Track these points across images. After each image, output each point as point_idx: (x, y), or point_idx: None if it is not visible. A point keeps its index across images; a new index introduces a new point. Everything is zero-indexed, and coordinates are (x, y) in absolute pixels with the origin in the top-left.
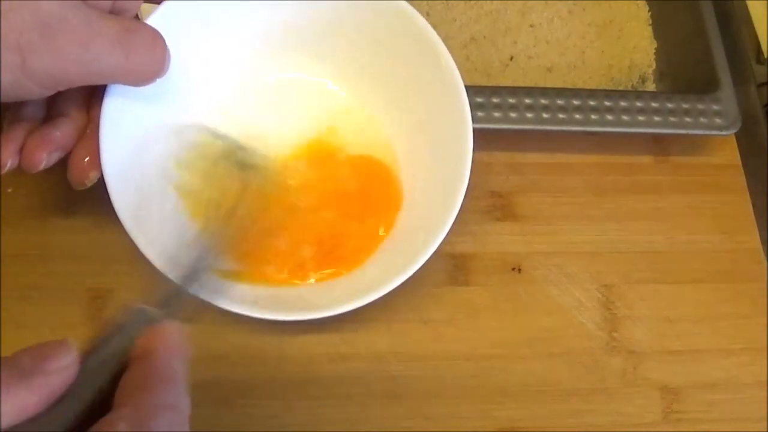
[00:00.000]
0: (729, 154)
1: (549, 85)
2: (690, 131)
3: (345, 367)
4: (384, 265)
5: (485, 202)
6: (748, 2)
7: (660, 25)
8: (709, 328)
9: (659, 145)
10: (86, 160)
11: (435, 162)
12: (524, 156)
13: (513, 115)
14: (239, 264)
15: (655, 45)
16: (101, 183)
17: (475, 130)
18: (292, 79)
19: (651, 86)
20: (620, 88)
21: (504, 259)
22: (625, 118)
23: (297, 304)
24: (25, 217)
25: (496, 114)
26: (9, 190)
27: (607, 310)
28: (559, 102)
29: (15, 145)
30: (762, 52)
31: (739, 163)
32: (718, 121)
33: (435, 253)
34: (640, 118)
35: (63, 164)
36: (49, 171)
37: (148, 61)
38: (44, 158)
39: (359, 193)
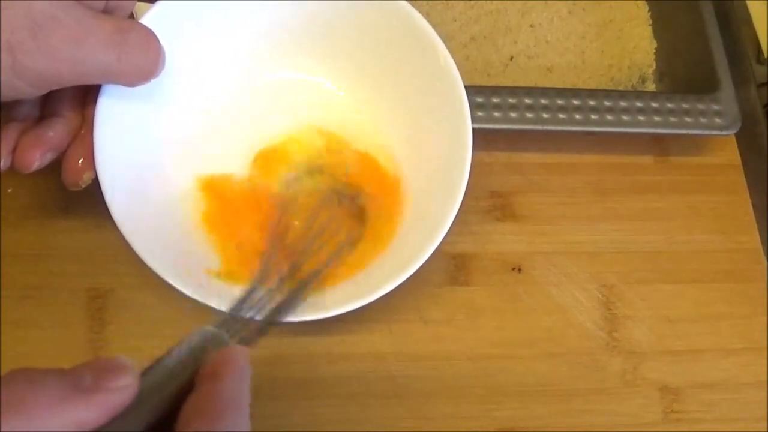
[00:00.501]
0: (729, 154)
1: (549, 85)
2: (690, 131)
3: (345, 367)
4: (384, 265)
5: (485, 202)
6: (748, 2)
7: (660, 25)
8: (709, 328)
9: (659, 145)
10: (80, 161)
11: (435, 162)
12: (524, 156)
13: (513, 115)
14: (235, 265)
15: (655, 45)
16: (99, 183)
17: (475, 130)
18: (290, 79)
19: (651, 86)
20: (620, 88)
21: (504, 259)
22: (625, 118)
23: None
24: (25, 217)
25: (496, 114)
26: (9, 190)
27: (607, 310)
28: (559, 102)
29: (8, 145)
30: (762, 52)
31: (739, 163)
32: (718, 121)
33: (435, 253)
34: (640, 118)
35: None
36: (48, 171)
37: (142, 61)
38: (37, 158)
39: (361, 200)
